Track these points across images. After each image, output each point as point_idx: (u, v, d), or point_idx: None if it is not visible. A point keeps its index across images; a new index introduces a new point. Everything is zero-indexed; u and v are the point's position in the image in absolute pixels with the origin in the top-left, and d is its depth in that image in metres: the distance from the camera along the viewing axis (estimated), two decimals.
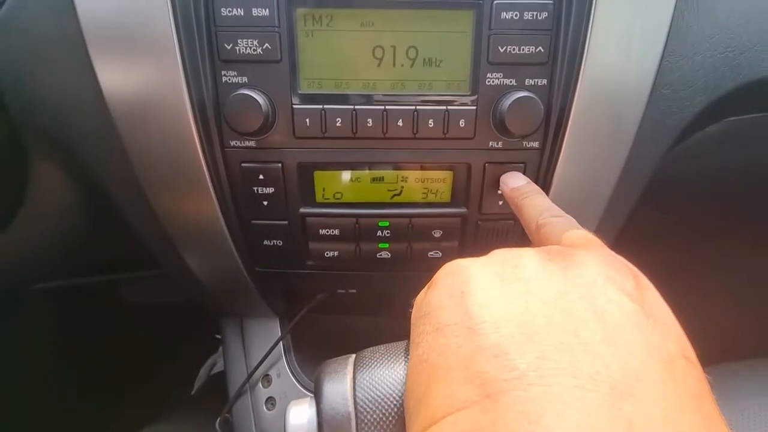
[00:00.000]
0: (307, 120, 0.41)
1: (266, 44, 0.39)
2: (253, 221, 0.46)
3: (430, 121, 0.41)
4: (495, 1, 0.38)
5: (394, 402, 0.24)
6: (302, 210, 0.45)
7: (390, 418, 0.24)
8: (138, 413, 0.73)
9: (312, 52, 0.40)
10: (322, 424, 0.25)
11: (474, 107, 0.41)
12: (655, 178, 0.46)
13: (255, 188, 0.43)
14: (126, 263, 0.81)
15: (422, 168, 0.44)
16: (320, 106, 0.40)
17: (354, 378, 0.25)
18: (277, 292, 0.55)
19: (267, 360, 0.57)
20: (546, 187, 0.43)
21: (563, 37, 0.39)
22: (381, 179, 0.45)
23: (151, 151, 0.42)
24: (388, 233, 0.46)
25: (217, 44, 0.39)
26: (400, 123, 0.41)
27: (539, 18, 0.39)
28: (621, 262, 0.22)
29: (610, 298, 0.19)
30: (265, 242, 0.47)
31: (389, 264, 0.48)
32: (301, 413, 0.26)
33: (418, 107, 0.40)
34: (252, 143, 0.42)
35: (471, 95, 0.41)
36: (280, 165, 0.43)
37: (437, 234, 0.46)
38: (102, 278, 0.83)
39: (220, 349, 0.82)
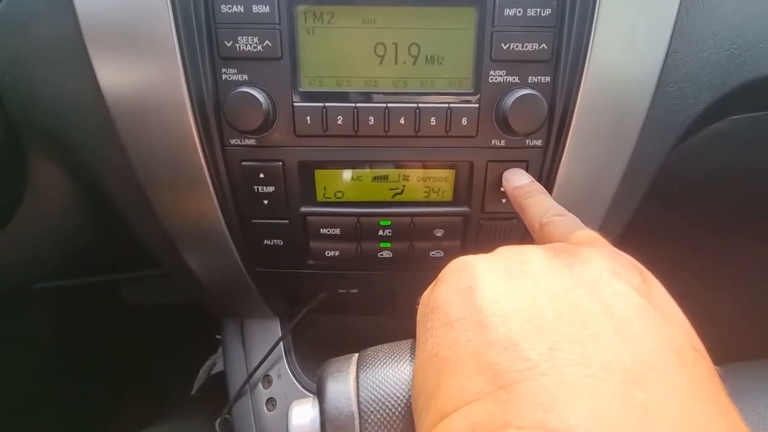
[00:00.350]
0: (308, 118, 0.40)
1: (267, 41, 0.38)
2: (253, 220, 0.45)
3: (432, 119, 0.40)
4: None
5: (399, 401, 0.24)
6: (303, 209, 0.45)
7: (394, 418, 0.24)
8: (138, 413, 0.73)
9: (313, 49, 0.39)
10: (325, 423, 0.24)
11: (476, 105, 0.40)
12: (659, 177, 0.46)
13: (255, 187, 0.43)
14: (126, 263, 0.80)
15: (424, 166, 0.44)
16: (321, 104, 0.40)
17: (357, 377, 0.25)
18: (277, 292, 0.55)
19: (267, 360, 0.57)
20: (549, 185, 0.43)
21: (567, 34, 0.39)
22: (382, 178, 0.44)
23: (151, 150, 0.41)
24: (389, 232, 0.46)
25: (217, 41, 0.38)
26: (401, 121, 0.40)
27: (543, 15, 0.38)
28: (626, 258, 0.23)
29: (616, 292, 0.20)
30: (266, 241, 0.47)
31: (391, 263, 0.48)
32: (303, 413, 0.26)
33: (420, 105, 0.40)
34: (252, 141, 0.41)
35: (473, 93, 0.40)
36: (280, 163, 0.42)
37: (439, 233, 0.46)
38: (102, 278, 0.83)
39: (220, 349, 0.82)
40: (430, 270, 0.26)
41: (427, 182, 0.45)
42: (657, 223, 0.65)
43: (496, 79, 0.40)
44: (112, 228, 0.54)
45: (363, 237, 0.46)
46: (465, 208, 0.45)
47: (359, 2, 0.38)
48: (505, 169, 0.42)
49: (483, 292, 0.21)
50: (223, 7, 0.38)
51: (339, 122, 0.40)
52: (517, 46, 0.39)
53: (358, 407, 0.24)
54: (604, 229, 0.32)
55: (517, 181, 0.40)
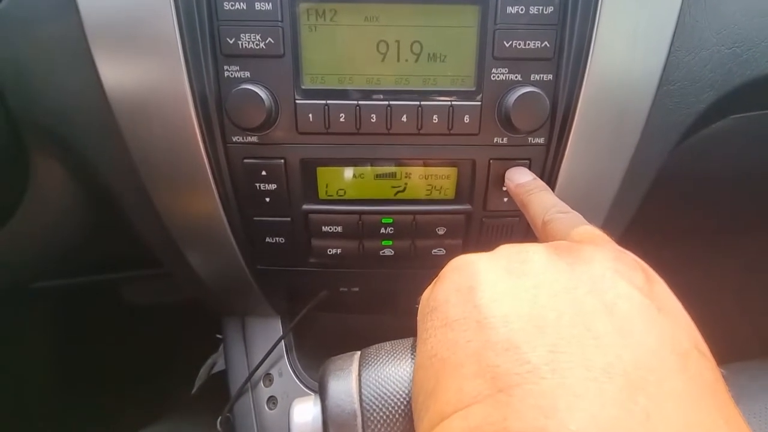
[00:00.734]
0: (310, 115, 0.40)
1: (269, 39, 0.38)
2: (255, 218, 0.45)
3: (435, 117, 0.40)
4: None
5: (401, 399, 0.24)
6: (305, 207, 0.45)
7: (397, 416, 0.23)
8: (138, 412, 0.72)
9: (315, 47, 0.39)
10: (327, 422, 0.24)
11: (479, 103, 0.40)
12: (661, 175, 0.46)
13: (257, 184, 0.43)
14: (127, 262, 0.80)
15: (426, 164, 0.44)
16: (323, 102, 0.40)
17: (359, 375, 0.25)
18: (279, 289, 0.55)
19: (269, 359, 0.57)
20: (552, 183, 0.43)
21: (569, 32, 0.39)
22: (384, 176, 0.44)
23: (153, 147, 0.41)
24: (391, 230, 0.46)
25: (219, 39, 0.38)
26: (404, 119, 0.40)
27: (545, 12, 0.38)
28: (629, 257, 0.22)
29: (619, 292, 0.19)
30: (268, 239, 0.47)
31: (392, 261, 0.48)
32: (305, 411, 0.26)
33: (422, 103, 0.40)
34: (254, 139, 0.41)
35: (476, 91, 0.40)
36: (282, 161, 0.42)
37: (441, 231, 0.46)
38: (103, 277, 0.83)
39: (221, 348, 0.82)
40: (432, 268, 0.25)
41: (429, 180, 0.45)
42: (658, 221, 0.65)
43: (498, 76, 0.40)
44: (113, 227, 0.54)
45: (365, 235, 0.46)
46: (467, 206, 0.45)
47: (362, 0, 0.38)
48: (508, 167, 0.42)
49: (483, 292, 0.20)
50: (225, 4, 0.38)
51: (341, 120, 0.40)
52: (519, 44, 0.39)
53: (360, 405, 0.24)
54: (606, 227, 0.32)
55: (520, 178, 0.40)
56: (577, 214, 0.31)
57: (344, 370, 0.26)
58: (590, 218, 0.30)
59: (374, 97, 0.40)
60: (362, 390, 0.24)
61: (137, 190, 0.43)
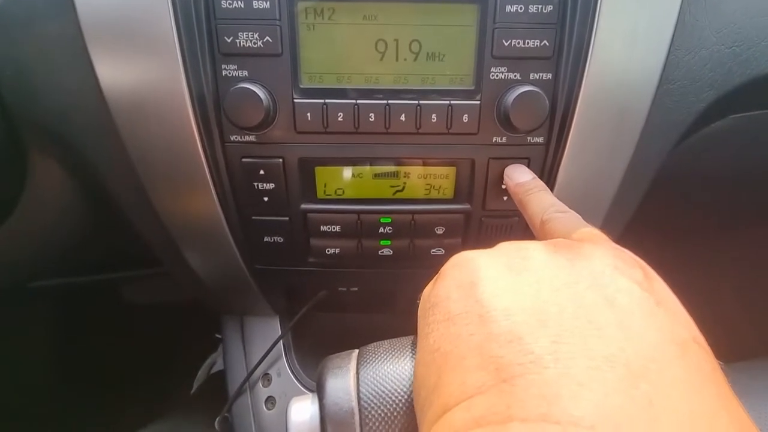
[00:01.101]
0: (309, 115, 0.40)
1: (267, 37, 0.38)
2: (253, 217, 0.45)
3: (434, 116, 0.40)
4: None
5: (399, 397, 0.24)
6: (303, 206, 0.45)
7: (395, 414, 0.23)
8: (137, 412, 0.72)
9: (313, 45, 0.39)
10: (325, 420, 0.24)
11: (478, 102, 0.40)
12: (660, 175, 0.46)
13: (255, 184, 0.43)
14: (126, 262, 0.80)
15: (425, 164, 0.44)
16: (322, 101, 0.40)
17: (357, 373, 0.25)
18: (277, 289, 0.55)
19: (267, 359, 0.57)
20: (551, 183, 0.43)
21: (569, 31, 0.38)
22: (383, 175, 0.44)
23: (151, 147, 0.41)
24: (390, 230, 0.46)
25: (217, 37, 0.38)
26: (402, 118, 0.40)
27: (544, 11, 0.38)
28: (628, 254, 0.23)
29: (619, 287, 0.20)
30: (266, 239, 0.47)
31: (391, 261, 0.48)
32: (303, 409, 0.26)
33: (421, 102, 0.40)
34: (252, 138, 0.41)
35: (475, 90, 0.40)
36: (281, 160, 0.42)
37: (440, 231, 0.46)
38: (101, 277, 0.83)
39: (220, 348, 0.82)
40: (431, 268, 0.25)
41: (427, 179, 0.44)
42: (658, 221, 0.65)
43: (497, 76, 0.39)
44: (111, 226, 0.54)
45: (363, 234, 0.46)
46: (466, 206, 0.45)
47: None
48: (507, 167, 0.42)
49: (485, 287, 0.21)
50: (223, 2, 0.37)
51: (340, 119, 0.40)
52: (518, 43, 0.39)
53: (359, 403, 0.24)
54: (605, 228, 0.31)
55: (519, 177, 0.40)
56: (576, 214, 0.31)
57: (342, 368, 0.26)
58: (589, 218, 0.30)
59: (373, 96, 0.40)
60: (360, 388, 0.24)
61: (135, 189, 0.43)
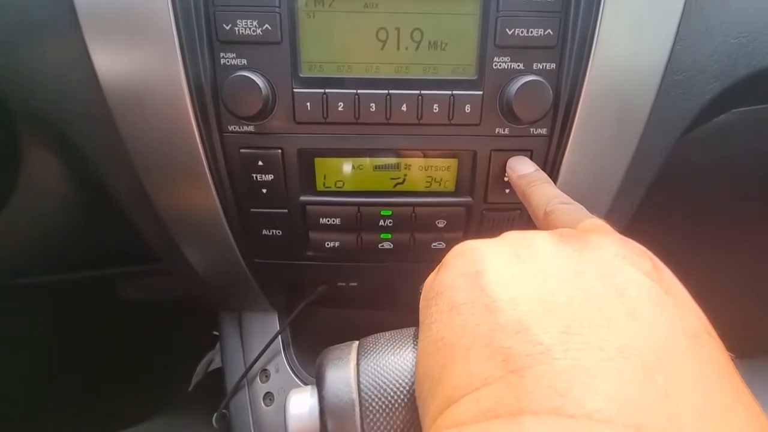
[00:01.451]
0: (308, 104, 0.39)
1: (266, 25, 0.37)
2: (252, 209, 0.45)
3: (435, 107, 0.40)
4: None
5: (400, 389, 0.23)
6: (302, 198, 0.44)
7: (396, 405, 0.23)
8: (135, 409, 0.72)
9: (313, 33, 0.39)
10: (325, 411, 0.23)
11: (480, 92, 0.39)
12: (664, 168, 0.45)
13: (254, 175, 0.42)
14: (123, 258, 0.79)
15: (426, 155, 0.43)
16: (321, 90, 0.39)
17: (358, 364, 0.24)
18: (276, 284, 0.54)
19: (265, 354, 0.56)
20: (554, 175, 0.42)
21: (573, 20, 0.38)
22: (384, 167, 0.44)
23: (148, 136, 0.40)
24: (390, 223, 0.45)
25: (215, 25, 0.38)
26: (404, 108, 0.40)
27: (548, 0, 0.37)
28: (635, 245, 0.22)
29: (628, 277, 0.19)
30: (264, 232, 0.46)
31: (391, 255, 0.47)
32: (302, 402, 0.25)
33: (422, 92, 0.39)
34: (251, 128, 0.40)
35: (477, 80, 0.39)
36: (280, 151, 0.41)
37: (441, 224, 0.45)
38: (99, 273, 0.82)
39: (218, 345, 0.81)
40: (431, 262, 0.25)
41: (429, 172, 0.44)
42: (661, 215, 0.65)
43: (500, 65, 0.39)
44: (108, 220, 0.53)
45: (363, 227, 0.45)
46: (467, 199, 0.44)
47: None
48: (509, 159, 0.41)
49: (490, 276, 0.20)
50: None
51: (340, 109, 0.40)
52: (522, 32, 0.38)
53: (359, 394, 0.23)
54: (609, 221, 0.31)
55: (522, 169, 0.39)
56: (580, 205, 0.31)
57: (342, 359, 0.25)
58: (593, 210, 0.30)
59: (373, 86, 0.39)
60: (360, 379, 0.24)
61: (132, 180, 0.42)
